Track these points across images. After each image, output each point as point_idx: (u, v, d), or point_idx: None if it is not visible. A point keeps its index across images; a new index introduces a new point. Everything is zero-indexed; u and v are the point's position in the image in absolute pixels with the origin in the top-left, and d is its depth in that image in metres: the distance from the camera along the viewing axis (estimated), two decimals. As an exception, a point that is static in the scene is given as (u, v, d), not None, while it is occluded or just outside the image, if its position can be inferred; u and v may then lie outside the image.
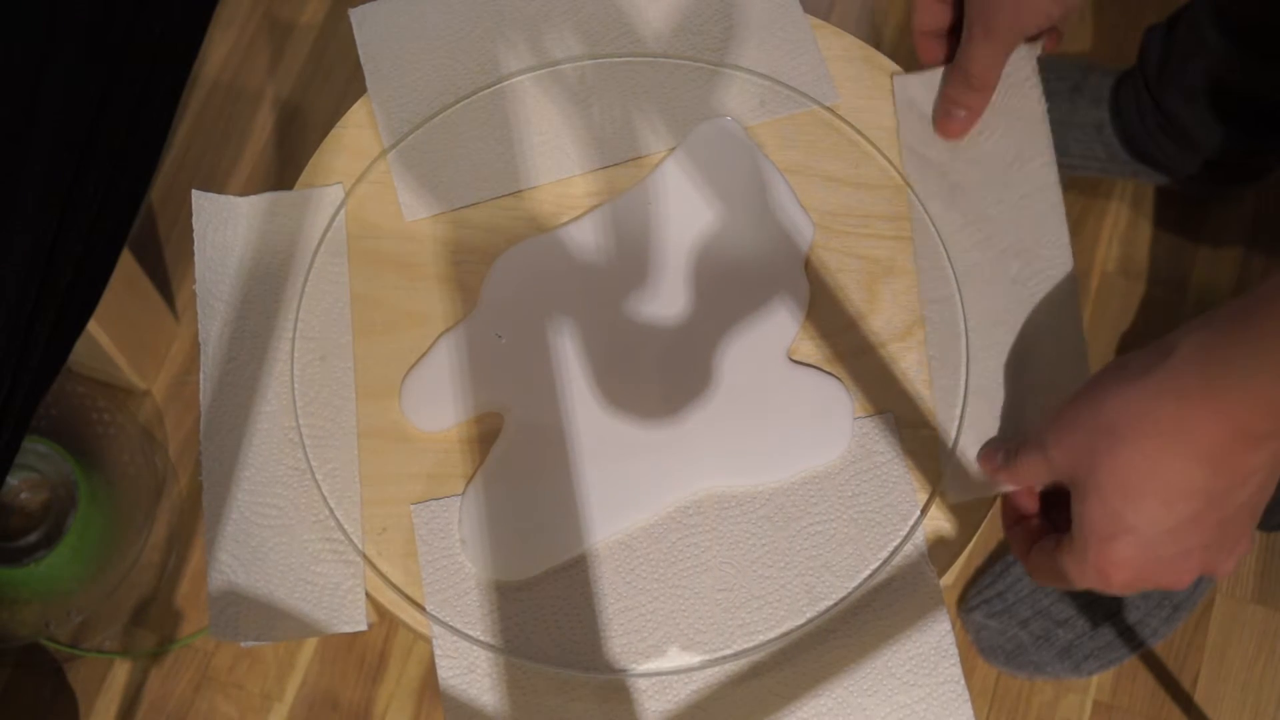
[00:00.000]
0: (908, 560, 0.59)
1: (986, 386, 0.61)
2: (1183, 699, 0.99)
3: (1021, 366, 0.61)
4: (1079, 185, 1.12)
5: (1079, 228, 1.11)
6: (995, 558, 1.02)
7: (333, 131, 0.68)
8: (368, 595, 0.59)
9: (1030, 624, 0.98)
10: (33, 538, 0.99)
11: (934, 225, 0.64)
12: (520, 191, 0.66)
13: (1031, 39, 0.65)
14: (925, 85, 0.66)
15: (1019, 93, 0.65)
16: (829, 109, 0.67)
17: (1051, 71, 1.10)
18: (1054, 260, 0.62)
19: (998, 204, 0.64)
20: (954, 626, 0.57)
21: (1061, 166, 1.11)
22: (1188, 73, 0.99)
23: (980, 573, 1.01)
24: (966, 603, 1.00)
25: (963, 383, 0.61)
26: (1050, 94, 1.09)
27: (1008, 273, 0.62)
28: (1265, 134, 1.01)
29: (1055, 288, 0.62)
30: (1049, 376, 0.61)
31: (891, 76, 0.67)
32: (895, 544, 0.59)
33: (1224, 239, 1.12)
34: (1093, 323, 1.09)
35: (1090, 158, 1.09)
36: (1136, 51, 1.05)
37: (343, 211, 0.66)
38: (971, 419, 0.61)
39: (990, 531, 1.03)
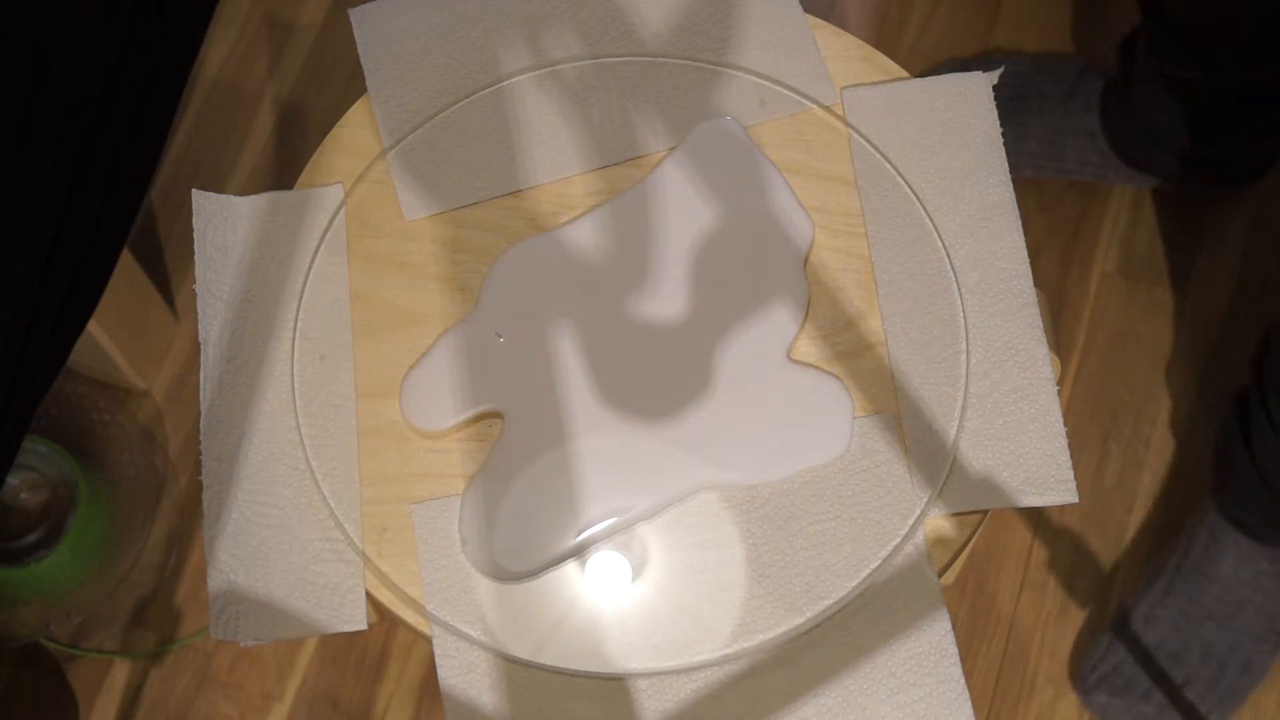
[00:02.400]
0: (908, 560, 0.59)
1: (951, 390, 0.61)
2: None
3: (984, 374, 0.61)
4: (1079, 186, 1.12)
5: (1079, 228, 1.11)
6: (1084, 637, 1.01)
7: (333, 131, 0.68)
8: (368, 595, 0.59)
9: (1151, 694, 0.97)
10: (33, 538, 0.99)
11: (934, 225, 0.64)
12: (520, 191, 0.66)
13: (988, 69, 0.66)
14: (878, 96, 0.66)
15: (974, 114, 0.66)
16: (829, 109, 0.67)
17: (1048, 74, 1.10)
18: (1012, 273, 0.63)
19: (949, 215, 0.64)
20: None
21: (1059, 172, 1.11)
22: (1151, 79, 1.00)
23: (1081, 651, 1.00)
24: (1084, 682, 0.98)
25: (963, 383, 0.61)
26: (1045, 97, 1.09)
27: (965, 283, 0.63)
28: (1231, 136, 1.02)
29: (1014, 298, 0.62)
30: (1016, 383, 0.61)
31: (840, 90, 0.67)
32: (895, 544, 0.59)
33: (1224, 239, 1.12)
34: (1092, 322, 1.09)
35: (1086, 164, 1.09)
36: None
37: (343, 211, 0.66)
38: (967, 420, 0.61)
39: (995, 537, 1.03)
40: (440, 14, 0.69)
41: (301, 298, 0.64)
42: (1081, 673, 0.99)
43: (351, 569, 0.60)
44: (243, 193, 0.66)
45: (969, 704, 0.57)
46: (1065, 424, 0.61)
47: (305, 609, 0.59)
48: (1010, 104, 1.08)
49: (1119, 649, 0.98)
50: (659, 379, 0.62)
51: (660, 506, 0.60)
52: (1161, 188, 1.11)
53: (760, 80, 0.67)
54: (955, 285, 0.63)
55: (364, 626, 0.59)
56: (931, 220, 0.64)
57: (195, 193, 0.65)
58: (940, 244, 0.64)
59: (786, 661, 0.58)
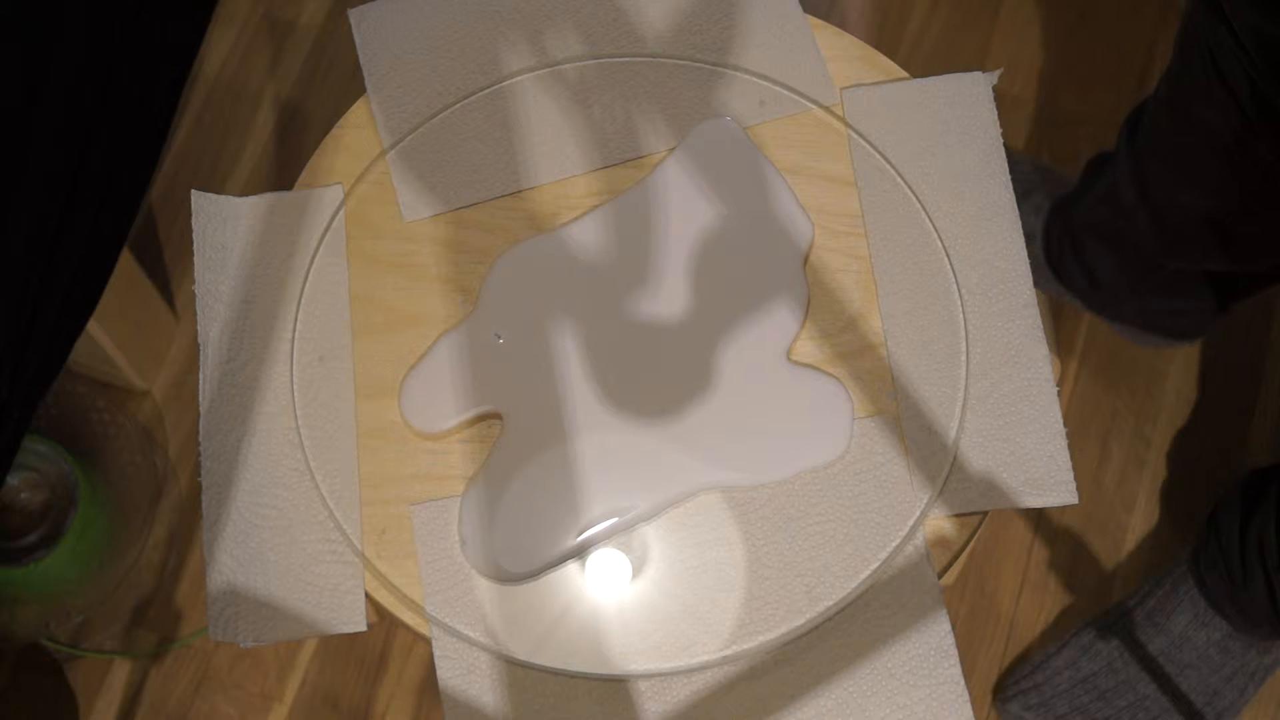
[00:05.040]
0: (908, 560, 0.59)
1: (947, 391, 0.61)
2: None
3: (984, 374, 0.61)
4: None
5: (1079, 228, 1.11)
6: (1035, 647, 1.00)
7: (333, 131, 0.68)
8: (367, 596, 0.59)
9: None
10: (33, 538, 0.99)
11: (934, 225, 0.64)
12: (520, 191, 0.66)
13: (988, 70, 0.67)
14: (878, 96, 0.66)
15: (974, 114, 0.66)
16: (829, 109, 0.67)
17: (1014, 170, 1.06)
18: (1011, 273, 0.63)
19: (949, 216, 0.64)
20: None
21: None
22: (1100, 215, 0.94)
23: (1019, 661, 1.00)
24: (1003, 691, 0.98)
25: (963, 384, 0.61)
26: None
27: (965, 283, 0.63)
28: (1163, 297, 0.96)
29: (1014, 299, 0.62)
30: (1016, 383, 0.61)
31: (840, 90, 0.67)
32: (895, 544, 0.59)
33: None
34: (1092, 323, 1.09)
35: None
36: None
37: (342, 212, 0.66)
38: (967, 420, 0.61)
39: (995, 537, 1.03)
40: (440, 14, 0.69)
41: (301, 298, 0.64)
42: (1004, 680, 0.98)
43: (351, 570, 0.60)
44: (243, 193, 0.66)
45: (969, 705, 0.57)
46: (1065, 424, 0.61)
47: (305, 610, 0.59)
48: None
49: (1049, 668, 0.96)
50: (659, 379, 0.62)
51: (661, 507, 0.60)
52: (1085, 311, 1.07)
53: (760, 80, 0.67)
54: (955, 285, 0.63)
55: (363, 628, 0.59)
56: (931, 220, 0.64)
57: (194, 193, 0.65)
58: (940, 244, 0.64)
59: (786, 662, 0.58)
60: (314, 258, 0.65)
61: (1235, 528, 0.88)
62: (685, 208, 0.65)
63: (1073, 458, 0.60)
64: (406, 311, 0.64)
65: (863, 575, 0.59)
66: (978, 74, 0.66)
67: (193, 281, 0.64)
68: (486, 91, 0.68)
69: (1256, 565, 0.85)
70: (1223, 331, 1.08)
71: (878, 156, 0.66)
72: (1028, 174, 1.06)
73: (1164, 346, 1.07)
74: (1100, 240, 0.95)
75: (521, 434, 0.61)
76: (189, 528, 1.05)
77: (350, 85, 1.20)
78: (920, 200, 0.65)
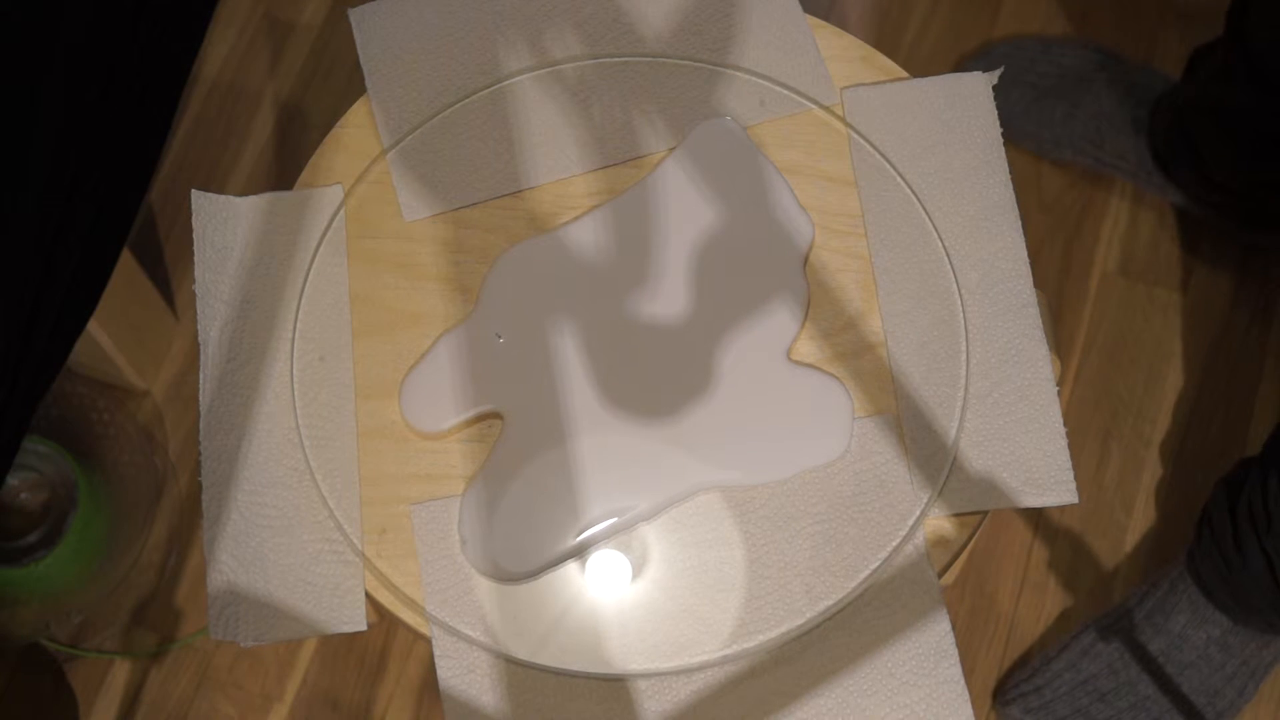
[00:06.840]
0: (908, 560, 0.59)
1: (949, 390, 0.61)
2: None
3: (984, 374, 0.61)
4: (1080, 184, 1.12)
5: (1079, 228, 1.11)
6: (1035, 647, 1.00)
7: (333, 131, 0.68)
8: (367, 595, 0.59)
9: None
10: (33, 538, 0.99)
11: (934, 225, 0.64)
12: (520, 191, 0.66)
13: (987, 69, 0.67)
14: (878, 96, 0.66)
15: (974, 114, 0.66)
16: (829, 109, 0.67)
17: (1114, 66, 1.09)
18: (1012, 273, 0.63)
19: (949, 216, 0.64)
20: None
21: (1096, 162, 1.08)
22: (1212, 99, 0.97)
23: (1019, 662, 1.00)
24: (1004, 695, 0.97)
25: (963, 383, 0.61)
26: (1110, 82, 1.07)
27: (965, 283, 0.63)
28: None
29: (1014, 298, 0.62)
30: (1016, 383, 0.61)
31: (840, 90, 0.67)
32: (895, 544, 0.59)
33: (1224, 238, 1.11)
34: (1092, 322, 1.09)
35: (1122, 161, 1.07)
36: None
37: (342, 211, 0.66)
38: (967, 420, 0.61)
39: (995, 537, 1.03)
40: (440, 14, 0.69)
41: (301, 298, 0.64)
42: (1004, 683, 0.98)
43: (351, 570, 0.60)
44: (243, 193, 0.66)
45: (968, 705, 0.57)
46: (1065, 424, 0.61)
47: (305, 610, 0.59)
48: (1068, 83, 1.08)
49: (1049, 671, 0.96)
50: (659, 379, 0.62)
51: (660, 507, 0.60)
52: (1188, 209, 1.10)
53: (760, 80, 0.67)
54: (955, 285, 0.63)
55: (363, 627, 0.59)
56: (931, 220, 0.64)
57: (195, 193, 0.65)
58: (940, 244, 0.64)
59: (786, 662, 0.58)
60: (314, 257, 0.65)
61: (1225, 514, 0.88)
62: (685, 208, 0.65)
63: (1073, 458, 0.60)
64: (406, 311, 0.64)
65: (862, 575, 0.59)
66: (978, 74, 0.66)
67: (193, 281, 0.64)
68: (486, 91, 0.68)
69: (1250, 537, 0.85)
70: (1223, 331, 1.08)
71: (878, 156, 0.66)
72: (1131, 70, 1.09)
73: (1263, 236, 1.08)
74: (1210, 120, 0.99)
75: (521, 434, 0.61)
76: (189, 528, 1.05)
77: (350, 85, 1.20)
78: (920, 200, 0.65)
